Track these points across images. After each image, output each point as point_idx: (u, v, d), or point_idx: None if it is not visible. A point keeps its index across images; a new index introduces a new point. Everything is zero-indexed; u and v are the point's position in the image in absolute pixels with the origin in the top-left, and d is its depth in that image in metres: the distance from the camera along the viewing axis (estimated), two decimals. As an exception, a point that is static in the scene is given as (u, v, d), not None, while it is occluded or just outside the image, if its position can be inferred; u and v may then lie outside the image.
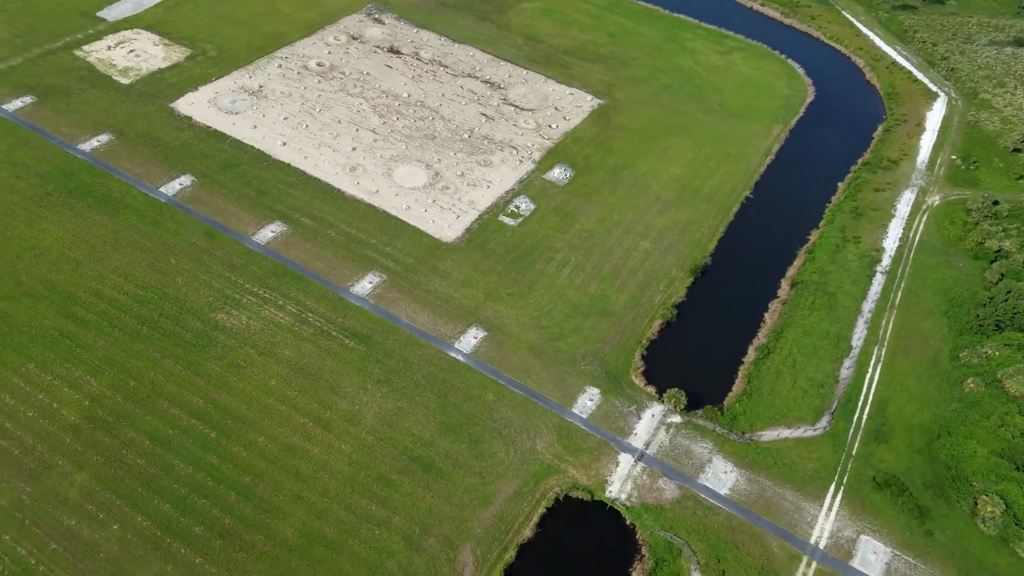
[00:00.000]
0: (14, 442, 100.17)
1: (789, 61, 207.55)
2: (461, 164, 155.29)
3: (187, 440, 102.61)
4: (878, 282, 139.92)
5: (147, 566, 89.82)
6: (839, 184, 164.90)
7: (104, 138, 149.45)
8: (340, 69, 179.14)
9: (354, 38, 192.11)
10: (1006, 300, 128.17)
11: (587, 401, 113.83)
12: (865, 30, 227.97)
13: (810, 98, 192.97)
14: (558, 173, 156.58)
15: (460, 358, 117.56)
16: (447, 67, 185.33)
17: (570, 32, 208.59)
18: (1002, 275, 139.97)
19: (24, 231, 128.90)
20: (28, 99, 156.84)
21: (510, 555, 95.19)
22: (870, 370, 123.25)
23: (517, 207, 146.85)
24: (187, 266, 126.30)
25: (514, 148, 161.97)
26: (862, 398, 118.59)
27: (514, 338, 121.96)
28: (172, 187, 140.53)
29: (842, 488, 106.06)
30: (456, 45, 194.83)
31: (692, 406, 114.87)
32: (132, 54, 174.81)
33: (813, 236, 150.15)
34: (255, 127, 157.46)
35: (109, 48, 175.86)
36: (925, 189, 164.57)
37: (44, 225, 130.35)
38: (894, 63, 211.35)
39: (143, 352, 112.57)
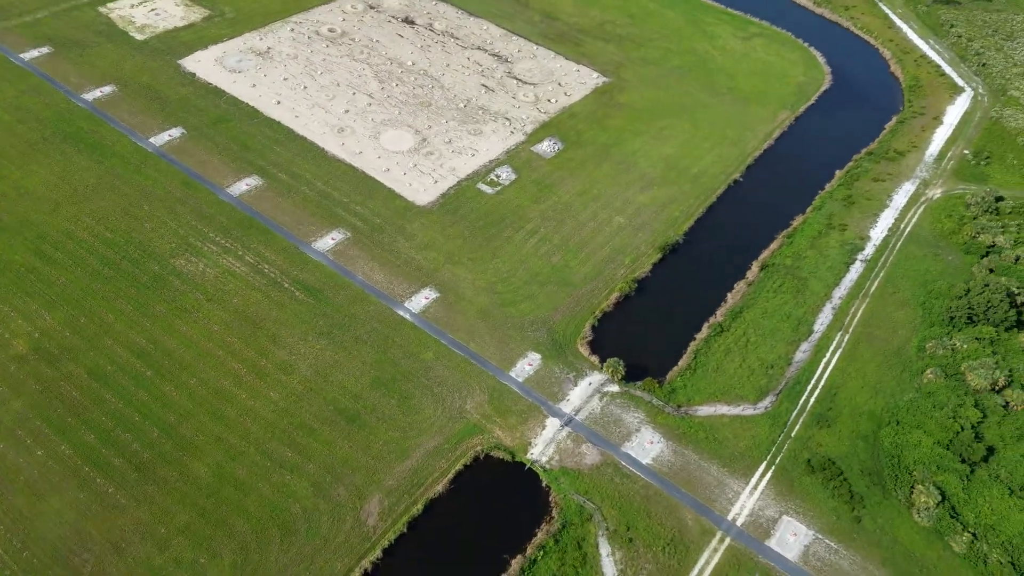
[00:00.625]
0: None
1: (811, 49, 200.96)
2: (450, 131, 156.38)
3: (123, 377, 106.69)
4: (856, 270, 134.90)
5: (63, 492, 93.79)
6: (837, 172, 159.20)
7: (108, 89, 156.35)
8: (351, 36, 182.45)
9: (371, 7, 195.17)
10: (981, 293, 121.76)
11: (526, 366, 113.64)
12: (899, 22, 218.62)
13: (825, 86, 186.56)
14: (547, 146, 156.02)
15: (407, 316, 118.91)
16: (458, 39, 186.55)
17: (590, 12, 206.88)
18: (990, 270, 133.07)
19: (13, 172, 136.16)
20: (45, 49, 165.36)
21: (417, 508, 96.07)
22: (828, 355, 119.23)
23: (497, 176, 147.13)
24: (158, 213, 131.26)
25: (508, 119, 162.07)
26: (813, 382, 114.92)
27: (466, 301, 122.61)
28: (161, 138, 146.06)
29: (772, 468, 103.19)
30: (472, 19, 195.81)
31: (634, 378, 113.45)
32: (152, 12, 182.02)
33: (796, 221, 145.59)
34: (254, 86, 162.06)
35: (132, 6, 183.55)
36: (928, 182, 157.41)
37: (33, 167, 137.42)
38: (923, 56, 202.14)
39: (99, 291, 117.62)
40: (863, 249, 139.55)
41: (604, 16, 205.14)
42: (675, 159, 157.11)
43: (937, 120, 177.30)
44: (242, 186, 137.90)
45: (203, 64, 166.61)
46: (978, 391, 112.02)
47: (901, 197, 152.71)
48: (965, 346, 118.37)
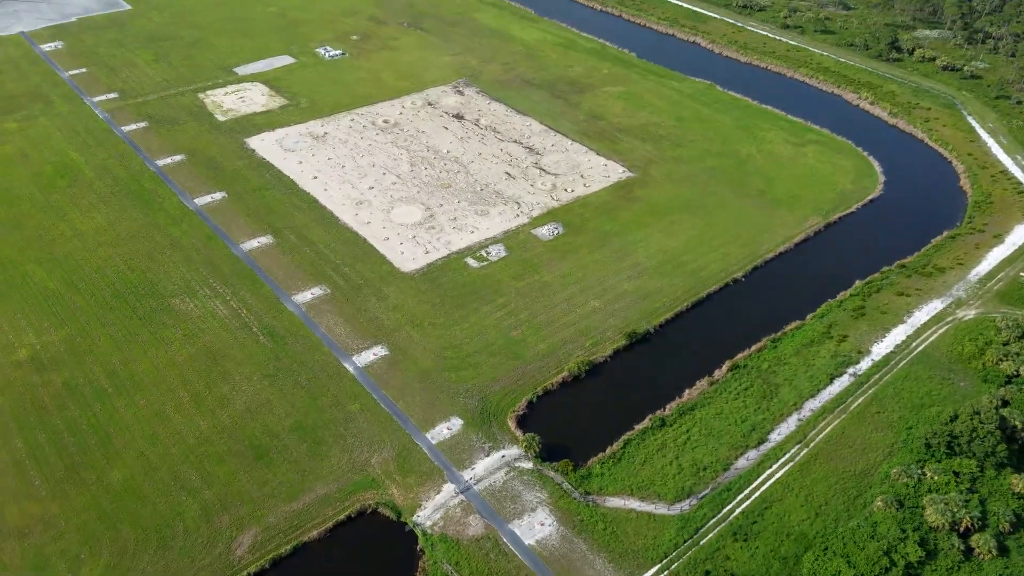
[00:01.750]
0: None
1: (869, 158, 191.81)
2: (459, 210, 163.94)
3: (88, 390, 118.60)
4: (840, 383, 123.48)
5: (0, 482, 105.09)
6: (857, 282, 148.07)
7: (178, 158, 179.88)
8: (401, 127, 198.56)
9: (430, 104, 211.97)
10: (968, 421, 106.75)
11: (444, 429, 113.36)
12: (985, 136, 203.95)
13: (873, 195, 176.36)
14: (546, 230, 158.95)
15: (350, 369, 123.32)
16: (498, 132, 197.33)
17: (638, 114, 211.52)
18: (1004, 401, 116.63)
19: (76, 217, 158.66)
20: (143, 124, 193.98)
21: (286, 549, 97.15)
22: (774, 467, 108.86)
23: (487, 252, 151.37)
24: (175, 259, 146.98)
25: (518, 204, 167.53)
26: (746, 492, 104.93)
27: (411, 361, 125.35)
28: (204, 199, 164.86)
29: (664, 573, 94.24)
30: (519, 116, 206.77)
31: (554, 457, 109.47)
32: (240, 99, 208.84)
33: (790, 326, 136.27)
34: (300, 163, 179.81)
35: (226, 94, 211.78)
36: (962, 302, 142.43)
37: (93, 214, 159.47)
38: (1004, 172, 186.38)
39: (101, 317, 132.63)
40: (857, 363, 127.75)
41: (651, 118, 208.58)
42: (676, 253, 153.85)
43: (998, 239, 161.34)
44: (254, 243, 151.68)
45: (264, 143, 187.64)
46: (934, 528, 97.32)
47: (923, 315, 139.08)
48: (935, 477, 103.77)
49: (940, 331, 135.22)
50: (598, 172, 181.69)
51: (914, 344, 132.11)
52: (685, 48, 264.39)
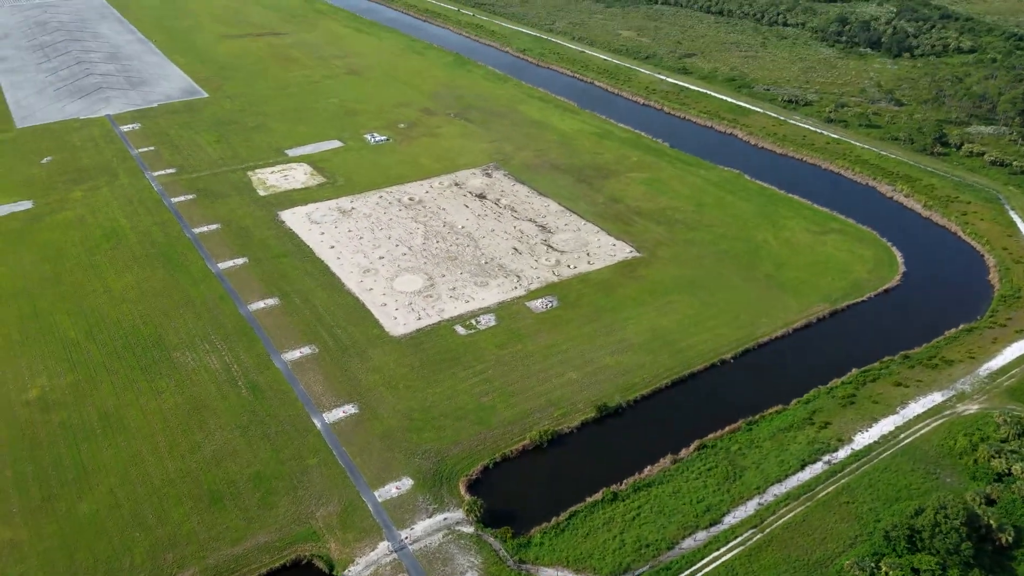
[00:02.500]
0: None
1: (892, 248, 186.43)
2: (459, 281, 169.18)
3: (80, 430, 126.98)
4: (812, 471, 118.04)
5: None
6: (853, 370, 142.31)
7: (214, 226, 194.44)
8: (424, 204, 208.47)
9: (456, 184, 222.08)
10: (932, 515, 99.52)
11: (393, 489, 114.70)
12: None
13: (889, 285, 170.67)
14: (541, 303, 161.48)
15: (318, 425, 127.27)
16: (515, 211, 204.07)
17: (658, 199, 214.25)
18: (989, 500, 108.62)
19: (110, 276, 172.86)
20: (191, 196, 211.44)
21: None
22: (722, 550, 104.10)
23: (477, 321, 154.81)
24: (186, 316, 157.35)
25: (519, 277, 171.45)
26: (686, 573, 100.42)
27: (377, 420, 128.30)
28: (227, 264, 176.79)
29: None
30: (538, 197, 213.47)
31: (497, 523, 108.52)
32: (283, 177, 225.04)
33: (771, 410, 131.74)
34: (322, 234, 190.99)
35: (272, 172, 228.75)
36: (965, 395, 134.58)
37: (126, 274, 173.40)
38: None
39: (108, 365, 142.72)
40: (835, 451, 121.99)
41: (671, 203, 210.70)
42: (666, 332, 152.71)
43: (1020, 334, 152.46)
44: (260, 304, 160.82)
45: (295, 216, 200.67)
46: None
47: (918, 407, 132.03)
48: (891, 573, 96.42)
49: (933, 424, 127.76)
50: (605, 251, 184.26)
51: (902, 436, 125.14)
52: (721, 139, 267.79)
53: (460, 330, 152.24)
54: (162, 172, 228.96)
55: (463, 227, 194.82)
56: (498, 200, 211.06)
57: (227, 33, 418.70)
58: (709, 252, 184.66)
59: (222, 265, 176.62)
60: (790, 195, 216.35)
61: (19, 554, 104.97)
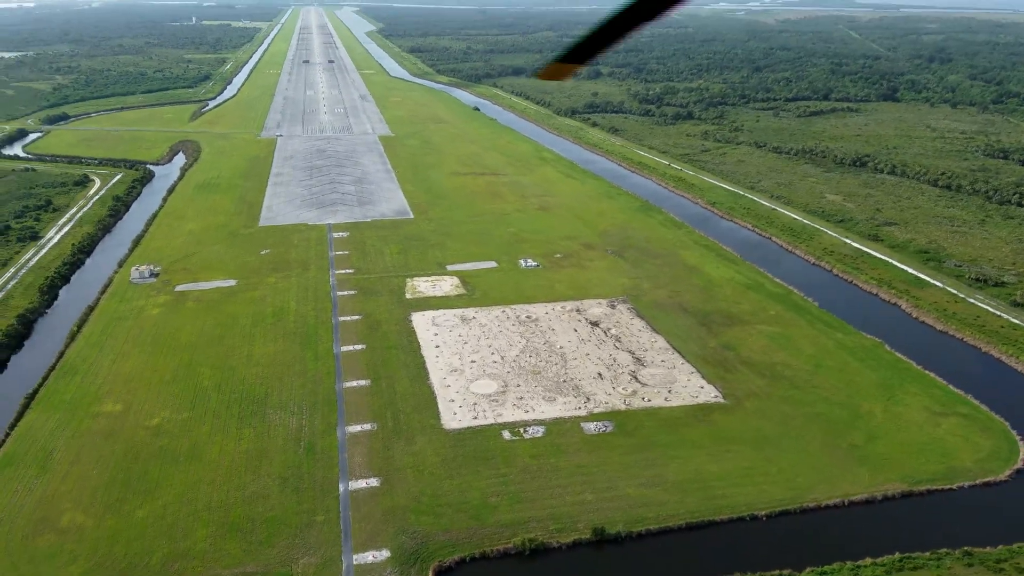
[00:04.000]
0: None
1: (1021, 443, 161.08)
2: (530, 392, 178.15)
3: (169, 456, 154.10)
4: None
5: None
6: (896, 553, 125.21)
7: (356, 317, 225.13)
8: (538, 323, 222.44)
9: (578, 311, 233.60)
10: None
11: (370, 556, 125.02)
12: None
13: (993, 478, 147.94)
14: (595, 426, 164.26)
15: (341, 488, 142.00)
16: (619, 341, 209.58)
17: (776, 354, 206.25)
18: None
19: (259, 344, 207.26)
20: (353, 292, 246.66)
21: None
22: None
23: (525, 430, 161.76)
24: (295, 383, 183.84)
25: (587, 399, 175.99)
26: None
27: (390, 496, 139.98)
28: (348, 348, 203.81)
29: None
30: (650, 332, 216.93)
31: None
32: (432, 286, 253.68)
33: (777, 571, 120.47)
34: (436, 335, 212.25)
35: (425, 281, 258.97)
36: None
37: (270, 344, 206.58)
38: None
39: (217, 411, 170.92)
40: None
41: (787, 359, 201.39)
42: (708, 477, 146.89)
43: None
44: (354, 383, 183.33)
45: (423, 317, 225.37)
46: None
47: None
48: None
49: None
50: (689, 391, 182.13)
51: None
52: (881, 308, 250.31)
53: (506, 435, 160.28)
54: (343, 271, 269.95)
55: (561, 347, 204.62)
56: (608, 329, 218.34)
57: (458, 171, 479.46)
58: (800, 412, 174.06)
59: (344, 348, 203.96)
60: (926, 372, 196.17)
61: (80, 535, 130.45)
